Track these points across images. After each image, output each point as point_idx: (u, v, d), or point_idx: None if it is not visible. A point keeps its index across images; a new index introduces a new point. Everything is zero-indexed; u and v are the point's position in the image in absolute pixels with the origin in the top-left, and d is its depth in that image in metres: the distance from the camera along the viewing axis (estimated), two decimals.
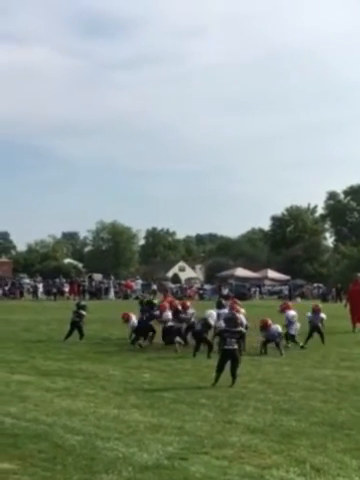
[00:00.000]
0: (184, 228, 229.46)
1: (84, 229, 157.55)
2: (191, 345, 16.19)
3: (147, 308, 17.92)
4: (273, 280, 70.78)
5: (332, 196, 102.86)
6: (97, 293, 54.36)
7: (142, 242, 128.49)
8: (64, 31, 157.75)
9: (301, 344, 17.20)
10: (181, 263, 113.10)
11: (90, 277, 64.37)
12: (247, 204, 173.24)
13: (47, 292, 53.42)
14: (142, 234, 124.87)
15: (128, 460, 6.73)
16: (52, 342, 18.16)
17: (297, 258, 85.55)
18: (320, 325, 18.19)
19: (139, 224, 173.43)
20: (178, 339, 16.64)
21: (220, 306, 18.01)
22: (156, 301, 18.91)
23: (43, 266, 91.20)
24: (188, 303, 18.77)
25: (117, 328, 20.72)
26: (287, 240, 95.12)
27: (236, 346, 11.43)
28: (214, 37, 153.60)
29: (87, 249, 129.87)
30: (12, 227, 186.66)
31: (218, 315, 16.20)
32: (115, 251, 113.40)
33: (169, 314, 17.26)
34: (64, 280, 57.65)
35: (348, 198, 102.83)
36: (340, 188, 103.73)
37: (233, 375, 11.22)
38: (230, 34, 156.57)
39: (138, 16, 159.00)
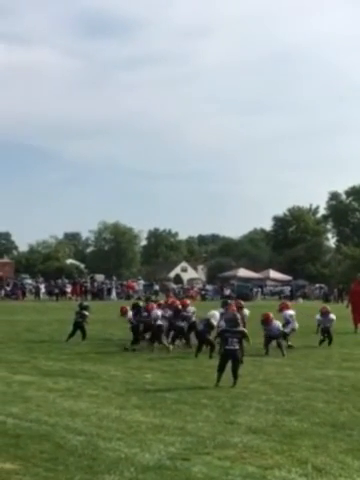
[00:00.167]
0: (186, 229, 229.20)
1: (86, 230, 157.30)
2: (194, 345, 16.21)
3: (135, 311, 17.72)
4: (275, 280, 70.83)
5: (334, 197, 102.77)
6: (99, 294, 54.40)
7: (144, 243, 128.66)
8: (68, 31, 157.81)
9: (289, 343, 17.23)
10: (183, 264, 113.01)
11: (92, 278, 64.42)
12: (249, 205, 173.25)
13: (49, 293, 53.45)
14: (144, 235, 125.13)
15: (130, 460, 6.73)
16: (54, 342, 18.18)
17: (299, 258, 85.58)
18: (330, 326, 18.05)
19: (141, 225, 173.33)
20: (164, 340, 16.77)
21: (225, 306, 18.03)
22: (141, 303, 18.87)
23: (45, 267, 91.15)
24: (188, 301, 18.80)
25: (119, 329, 20.72)
26: (289, 241, 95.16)
27: (237, 346, 11.43)
28: (218, 38, 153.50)
29: (89, 250, 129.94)
30: (14, 227, 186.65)
31: (222, 315, 16.21)
32: (117, 252, 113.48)
33: (158, 313, 17.24)
34: (66, 281, 57.71)
35: (350, 198, 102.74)
36: (342, 189, 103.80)
37: (235, 375, 11.22)
38: (234, 35, 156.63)
39: (142, 16, 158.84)
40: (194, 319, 17.46)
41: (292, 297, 55.73)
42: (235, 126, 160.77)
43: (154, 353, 16.07)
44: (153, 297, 21.57)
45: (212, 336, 15.49)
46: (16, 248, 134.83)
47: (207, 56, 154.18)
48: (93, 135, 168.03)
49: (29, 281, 63.71)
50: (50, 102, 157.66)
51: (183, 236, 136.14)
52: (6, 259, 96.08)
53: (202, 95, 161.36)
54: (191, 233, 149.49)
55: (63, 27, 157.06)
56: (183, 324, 17.34)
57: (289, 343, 17.20)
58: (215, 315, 15.91)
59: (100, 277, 68.51)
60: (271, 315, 16.44)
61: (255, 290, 60.28)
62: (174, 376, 12.52)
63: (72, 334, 18.38)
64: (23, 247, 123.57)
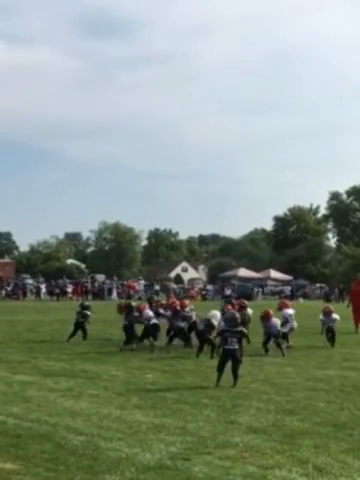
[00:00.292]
0: (187, 229, 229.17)
1: (87, 230, 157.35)
2: (195, 345, 16.21)
3: (127, 312, 17.67)
4: (276, 280, 70.87)
5: (335, 196, 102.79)
6: (100, 294, 54.42)
7: (145, 243, 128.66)
8: (68, 31, 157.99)
9: (290, 343, 17.21)
10: (184, 264, 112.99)
11: (93, 278, 64.47)
12: (249, 204, 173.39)
13: (50, 293, 53.48)
14: (145, 235, 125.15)
15: (131, 460, 6.73)
16: (55, 342, 18.18)
17: (300, 258, 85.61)
18: (333, 326, 17.97)
19: (142, 224, 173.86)
20: (151, 340, 16.82)
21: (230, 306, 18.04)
22: (133, 303, 18.87)
23: (46, 267, 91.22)
24: (186, 301, 18.80)
25: (119, 329, 20.67)
26: (290, 240, 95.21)
27: (237, 346, 11.41)
28: (219, 38, 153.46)
29: (90, 250, 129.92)
30: (15, 228, 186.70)
31: (223, 315, 16.22)
32: (118, 252, 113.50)
33: (149, 312, 17.24)
34: (68, 281, 57.73)
35: (351, 198, 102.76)
36: (343, 188, 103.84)
37: (235, 375, 11.22)
38: (235, 35, 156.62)
39: (143, 16, 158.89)
40: (194, 319, 17.48)
41: (293, 297, 55.73)
42: (235, 126, 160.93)
43: (155, 353, 16.06)
44: (155, 297, 21.50)
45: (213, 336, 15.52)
46: (17, 248, 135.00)
47: (207, 56, 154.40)
48: (93, 135, 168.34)
49: (30, 281, 63.72)
50: (50, 102, 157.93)
51: (183, 236, 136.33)
52: (7, 259, 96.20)
53: (202, 95, 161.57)
54: (191, 233, 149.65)
55: (63, 27, 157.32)
56: (183, 324, 17.36)
57: (289, 343, 17.19)
58: (216, 315, 15.91)
59: (101, 277, 68.58)
60: (271, 312, 16.50)
61: (256, 290, 60.30)
62: (175, 376, 12.52)
63: (73, 334, 18.39)
64: (24, 247, 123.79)
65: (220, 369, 11.29)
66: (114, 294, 54.57)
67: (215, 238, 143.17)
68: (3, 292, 52.95)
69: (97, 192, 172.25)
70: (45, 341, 18.63)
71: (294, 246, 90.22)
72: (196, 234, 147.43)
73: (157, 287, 58.61)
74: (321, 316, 18.36)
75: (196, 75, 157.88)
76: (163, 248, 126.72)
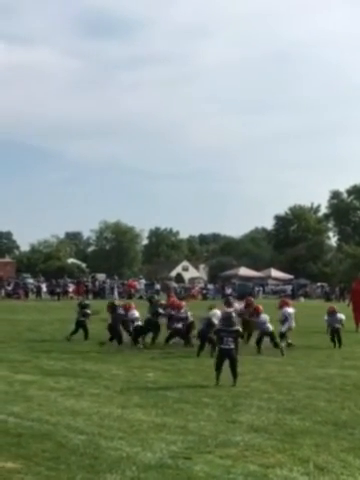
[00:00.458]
0: (187, 228, 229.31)
1: (87, 229, 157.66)
2: (195, 344, 16.21)
3: (111, 311, 17.70)
4: (276, 279, 70.86)
5: (335, 195, 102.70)
6: (100, 293, 54.42)
7: (145, 242, 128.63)
8: (68, 31, 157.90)
9: (289, 341, 17.20)
10: (184, 263, 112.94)
11: (93, 277, 64.47)
12: (250, 204, 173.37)
13: (51, 292, 53.47)
14: (145, 234, 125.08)
15: (132, 459, 6.74)
16: (56, 342, 18.19)
17: (300, 257, 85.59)
18: (339, 327, 17.80)
19: (142, 224, 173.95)
20: (140, 341, 16.89)
21: (228, 305, 18.06)
22: (117, 302, 18.91)
23: (46, 266, 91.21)
24: (182, 303, 18.70)
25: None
26: (290, 239, 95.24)
27: (233, 345, 11.39)
28: (219, 37, 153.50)
29: (90, 249, 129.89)
30: (15, 227, 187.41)
31: None
32: (118, 251, 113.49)
33: (135, 313, 17.25)
34: (69, 280, 57.73)
35: (351, 197, 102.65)
36: (343, 187, 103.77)
37: (234, 374, 11.22)
38: (235, 34, 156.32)
39: (143, 16, 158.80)
40: (191, 319, 17.54)
41: (294, 296, 55.73)
42: (236, 126, 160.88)
43: (156, 352, 16.07)
44: (155, 296, 21.49)
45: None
46: (18, 248, 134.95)
47: (207, 56, 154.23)
48: (94, 135, 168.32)
49: (30, 280, 63.70)
50: (50, 102, 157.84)
51: (184, 235, 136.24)
52: (8, 259, 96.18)
53: (203, 95, 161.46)
54: (192, 232, 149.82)
55: (63, 27, 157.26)
56: (180, 325, 17.44)
57: (289, 341, 17.18)
58: (216, 314, 15.90)
59: (101, 276, 68.60)
60: (261, 308, 16.71)
61: (256, 289, 60.30)
62: (176, 375, 12.53)
63: (74, 332, 18.52)
64: (24, 247, 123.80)
65: (218, 368, 11.29)
66: (115, 293, 54.55)
67: (216, 237, 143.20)
68: (3, 292, 52.92)
69: (97, 192, 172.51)
70: (46, 340, 18.64)
71: (295, 245, 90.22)
72: (197, 233, 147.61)
73: (158, 286, 58.58)
74: (326, 316, 18.20)
75: (196, 75, 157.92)
76: (164, 247, 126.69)
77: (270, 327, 16.26)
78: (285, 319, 17.23)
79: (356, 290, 25.55)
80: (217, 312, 16.12)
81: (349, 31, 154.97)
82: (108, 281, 60.28)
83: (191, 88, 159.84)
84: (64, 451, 7.03)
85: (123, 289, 57.18)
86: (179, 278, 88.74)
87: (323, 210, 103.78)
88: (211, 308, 16.31)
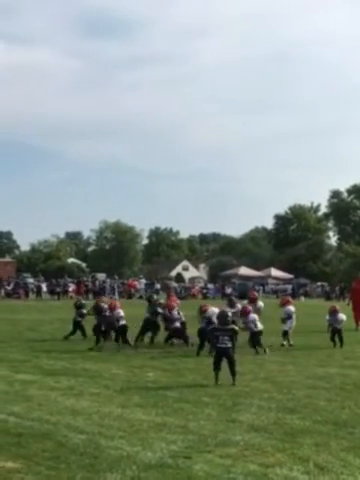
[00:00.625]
0: (187, 227, 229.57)
1: (87, 229, 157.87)
2: (195, 343, 16.21)
3: (96, 312, 17.63)
4: (277, 279, 70.83)
5: (335, 195, 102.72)
6: (100, 292, 54.36)
7: (145, 241, 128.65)
8: (68, 31, 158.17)
9: (291, 342, 17.15)
10: (185, 262, 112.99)
11: (93, 276, 64.47)
12: (250, 203, 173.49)
13: (51, 292, 53.47)
14: (145, 233, 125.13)
15: (132, 459, 6.74)
16: (56, 341, 18.20)
17: (300, 257, 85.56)
18: (340, 327, 17.65)
19: (142, 223, 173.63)
20: (126, 342, 16.78)
21: (231, 305, 18.07)
22: (102, 303, 18.81)
23: (47, 266, 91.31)
24: (174, 304, 18.48)
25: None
26: (290, 239, 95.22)
27: (229, 344, 11.37)
28: (219, 37, 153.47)
29: (90, 248, 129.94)
30: (15, 227, 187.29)
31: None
32: (118, 250, 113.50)
33: (120, 312, 17.07)
34: (69, 280, 57.72)
35: (351, 197, 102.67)
36: (343, 187, 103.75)
37: (232, 373, 11.21)
38: (235, 34, 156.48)
39: (143, 16, 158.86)
40: (183, 319, 17.57)
41: (294, 295, 55.70)
42: (236, 126, 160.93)
43: (156, 352, 16.07)
44: (154, 296, 21.46)
45: None
46: (18, 247, 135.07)
47: (207, 56, 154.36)
48: (94, 135, 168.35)
49: (31, 280, 63.72)
50: (50, 102, 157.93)
51: (184, 235, 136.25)
52: (8, 258, 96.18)
53: (203, 95, 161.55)
54: (192, 232, 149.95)
55: (63, 27, 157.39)
56: (177, 325, 17.44)
57: (291, 343, 17.15)
58: (216, 313, 15.90)
59: (101, 276, 68.61)
60: (250, 308, 16.78)
61: (257, 288, 60.27)
62: (176, 374, 12.53)
63: (72, 333, 18.52)
64: (25, 246, 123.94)
65: (216, 368, 11.28)
66: (116, 293, 54.54)
67: (216, 237, 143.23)
68: (2, 291, 52.88)
69: (97, 192, 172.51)
70: (46, 340, 18.65)
71: (295, 244, 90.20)
72: (197, 233, 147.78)
73: (158, 286, 58.64)
74: (327, 316, 18.06)
75: (196, 75, 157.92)
76: (164, 247, 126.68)
77: (259, 327, 16.10)
78: (288, 317, 17.20)
79: (356, 289, 25.55)
80: (216, 311, 16.11)
81: (349, 31, 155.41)
82: (108, 281, 60.26)
83: (191, 88, 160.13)
84: (64, 450, 7.04)
85: (123, 289, 57.21)
86: (179, 278, 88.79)
87: (323, 209, 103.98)
88: (203, 310, 16.19)
